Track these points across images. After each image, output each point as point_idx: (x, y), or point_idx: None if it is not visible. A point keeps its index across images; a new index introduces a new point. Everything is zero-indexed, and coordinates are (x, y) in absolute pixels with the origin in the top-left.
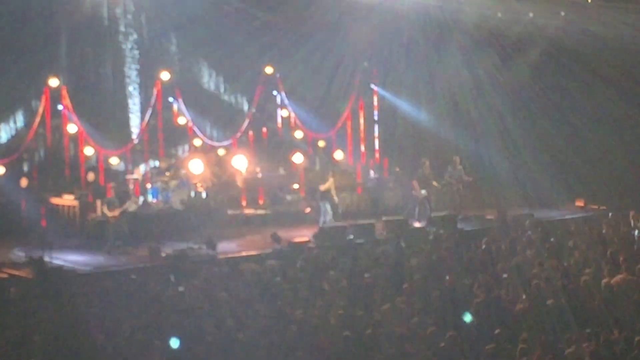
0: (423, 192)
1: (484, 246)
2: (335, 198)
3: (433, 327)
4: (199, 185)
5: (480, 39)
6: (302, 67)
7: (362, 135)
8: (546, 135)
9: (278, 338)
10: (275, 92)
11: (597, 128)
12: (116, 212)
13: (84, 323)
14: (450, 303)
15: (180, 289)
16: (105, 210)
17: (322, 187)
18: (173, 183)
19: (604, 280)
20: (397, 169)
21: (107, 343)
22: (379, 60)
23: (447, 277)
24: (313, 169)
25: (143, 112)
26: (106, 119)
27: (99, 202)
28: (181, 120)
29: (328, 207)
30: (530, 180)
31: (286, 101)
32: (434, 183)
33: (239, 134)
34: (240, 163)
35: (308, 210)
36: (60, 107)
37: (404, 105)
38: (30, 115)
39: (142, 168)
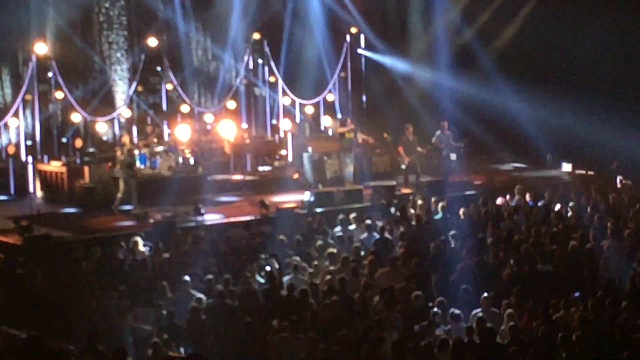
0: (409, 158)
1: (471, 211)
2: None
3: (419, 292)
4: (186, 151)
5: None
6: (289, 33)
7: (350, 101)
8: (534, 99)
9: (267, 303)
10: (262, 59)
11: (589, 92)
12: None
13: (73, 289)
14: (437, 269)
15: (166, 255)
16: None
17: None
18: (160, 149)
19: (588, 245)
20: (385, 135)
21: (97, 309)
22: (368, 24)
23: (432, 245)
24: (302, 135)
25: (131, 78)
26: (93, 86)
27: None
28: (168, 87)
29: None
30: (519, 144)
31: (274, 67)
32: (419, 149)
33: (226, 100)
34: (228, 129)
35: (296, 176)
36: (49, 74)
37: (393, 67)
38: (17, 81)
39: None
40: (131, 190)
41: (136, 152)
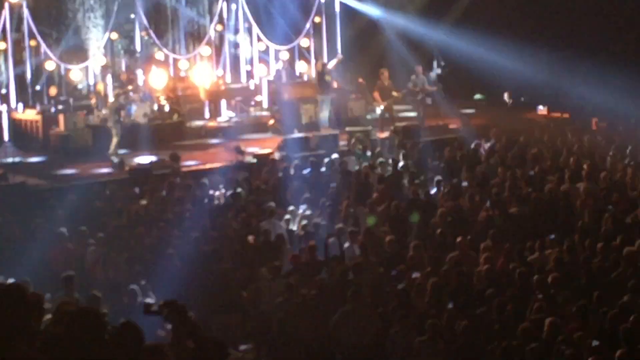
0: (384, 103)
1: (447, 155)
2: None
3: (392, 236)
4: (161, 98)
5: None
6: None
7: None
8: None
9: (242, 248)
10: (236, 4)
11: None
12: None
13: (49, 238)
14: (413, 212)
15: (143, 202)
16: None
17: None
18: (135, 96)
19: (563, 187)
20: (360, 80)
21: (72, 256)
22: None
23: (410, 187)
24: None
25: (105, 26)
26: (67, 34)
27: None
28: (142, 34)
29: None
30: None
31: (248, 13)
32: (394, 93)
33: (200, 47)
34: (203, 76)
35: (271, 122)
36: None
37: (369, 11)
38: None
39: (102, 83)
40: (114, 135)
41: (123, 97)
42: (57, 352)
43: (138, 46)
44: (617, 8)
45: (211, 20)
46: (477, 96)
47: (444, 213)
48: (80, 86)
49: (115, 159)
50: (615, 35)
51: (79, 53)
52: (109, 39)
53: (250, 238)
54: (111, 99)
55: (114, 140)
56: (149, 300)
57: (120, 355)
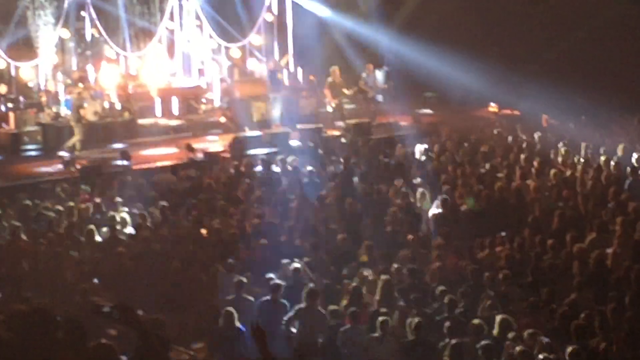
0: (335, 100)
1: (397, 152)
2: None
3: (344, 235)
4: (112, 95)
5: None
6: None
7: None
8: (460, 38)
9: (194, 247)
10: (187, 1)
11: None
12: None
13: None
14: (365, 210)
15: (97, 199)
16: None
17: None
18: (86, 94)
19: (514, 184)
20: (312, 78)
21: (25, 254)
22: None
23: (361, 185)
24: (230, 79)
25: (55, 24)
26: (17, 31)
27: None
28: (93, 32)
29: None
30: (444, 84)
31: (199, 11)
32: (345, 91)
33: (152, 44)
34: (154, 73)
35: (223, 120)
36: None
37: (318, 11)
38: None
39: (53, 81)
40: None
41: (61, 97)
42: (7, 353)
43: (88, 44)
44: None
45: (161, 18)
46: (428, 94)
47: (395, 211)
48: (30, 84)
49: (65, 154)
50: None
51: (28, 50)
52: (59, 36)
53: (203, 232)
54: (62, 97)
55: (75, 138)
56: (99, 299)
57: (67, 354)
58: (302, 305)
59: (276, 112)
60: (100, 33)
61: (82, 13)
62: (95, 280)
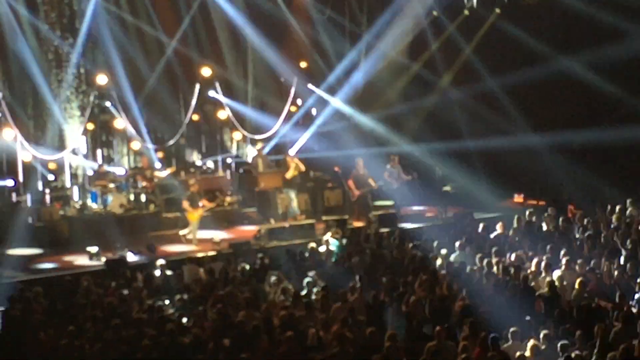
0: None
1: (424, 244)
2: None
3: (373, 328)
4: (139, 188)
5: None
6: (240, 69)
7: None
8: (480, 132)
9: (222, 341)
10: (213, 93)
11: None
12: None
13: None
14: (392, 302)
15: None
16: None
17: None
18: (112, 187)
19: (543, 277)
20: (337, 169)
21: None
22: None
23: (384, 278)
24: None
25: (82, 115)
26: (44, 125)
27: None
28: (120, 124)
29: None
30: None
31: (224, 102)
32: (371, 182)
33: (177, 136)
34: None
35: (249, 211)
36: None
37: (341, 105)
38: None
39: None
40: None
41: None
42: None
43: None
44: None
45: (187, 109)
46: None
47: (417, 300)
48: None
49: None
50: None
51: (55, 143)
52: (85, 128)
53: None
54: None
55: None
56: None
57: None
58: None
59: (294, 204)
60: (125, 124)
61: (107, 104)
62: None
